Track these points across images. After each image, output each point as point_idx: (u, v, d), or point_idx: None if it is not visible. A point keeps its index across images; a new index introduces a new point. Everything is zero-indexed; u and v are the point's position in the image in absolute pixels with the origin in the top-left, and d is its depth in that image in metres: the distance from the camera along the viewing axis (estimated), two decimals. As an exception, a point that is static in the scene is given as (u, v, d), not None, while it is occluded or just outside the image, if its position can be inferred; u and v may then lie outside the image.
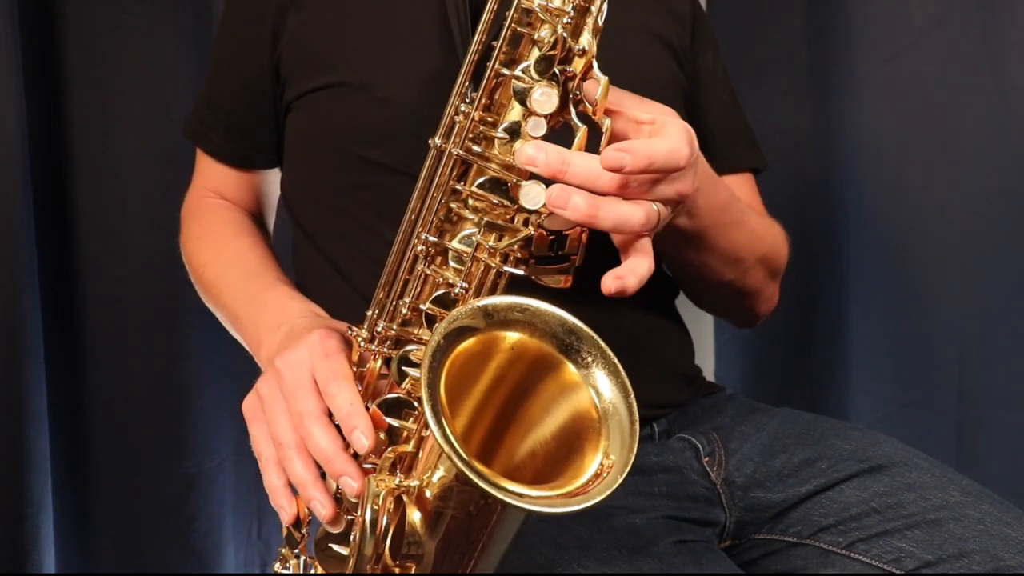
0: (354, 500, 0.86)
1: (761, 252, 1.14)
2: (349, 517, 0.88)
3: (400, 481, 0.82)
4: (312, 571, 0.94)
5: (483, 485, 0.73)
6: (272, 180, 1.30)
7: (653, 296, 1.17)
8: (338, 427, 0.87)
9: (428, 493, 0.81)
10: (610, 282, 0.82)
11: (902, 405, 1.76)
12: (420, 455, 0.84)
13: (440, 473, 0.80)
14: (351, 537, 0.85)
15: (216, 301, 1.18)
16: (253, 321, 1.07)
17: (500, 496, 0.73)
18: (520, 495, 0.74)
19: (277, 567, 0.97)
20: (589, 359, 0.82)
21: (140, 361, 1.71)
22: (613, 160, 0.79)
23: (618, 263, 1.08)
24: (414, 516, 0.81)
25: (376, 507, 0.80)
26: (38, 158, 1.58)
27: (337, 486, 0.87)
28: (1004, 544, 0.95)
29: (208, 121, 1.25)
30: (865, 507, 1.02)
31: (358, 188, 1.10)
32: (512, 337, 0.82)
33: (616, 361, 0.82)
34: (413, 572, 0.83)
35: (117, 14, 1.65)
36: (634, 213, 0.81)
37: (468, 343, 0.81)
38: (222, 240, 1.21)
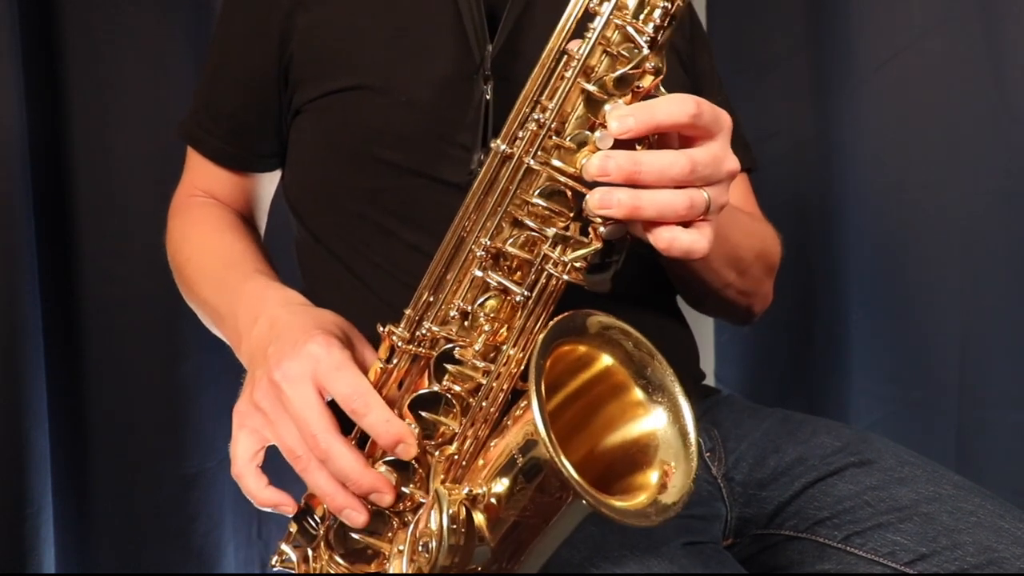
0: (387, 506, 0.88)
1: (756, 249, 1.15)
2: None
3: (469, 491, 0.83)
4: (313, 564, 0.93)
5: (597, 507, 0.76)
6: (266, 183, 1.28)
7: (665, 297, 1.18)
8: (344, 432, 0.87)
9: (494, 500, 0.82)
10: (665, 235, 0.83)
11: (902, 405, 1.76)
12: (480, 461, 0.85)
13: (515, 481, 0.81)
14: (419, 546, 0.84)
15: (197, 298, 1.15)
16: (232, 315, 1.05)
17: (610, 514, 0.77)
18: (618, 509, 0.78)
19: (274, 561, 0.96)
20: (664, 401, 0.86)
21: (140, 361, 1.71)
22: (620, 127, 0.81)
23: (650, 268, 1.09)
24: (479, 519, 0.82)
25: (452, 516, 0.81)
26: (38, 158, 1.58)
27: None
28: (997, 536, 0.95)
29: (206, 124, 1.22)
30: (858, 500, 1.02)
31: (377, 192, 1.09)
32: (606, 360, 0.86)
33: (691, 418, 0.86)
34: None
35: (117, 14, 1.65)
36: (676, 198, 0.81)
37: (564, 351, 0.83)
38: (204, 234, 1.19)
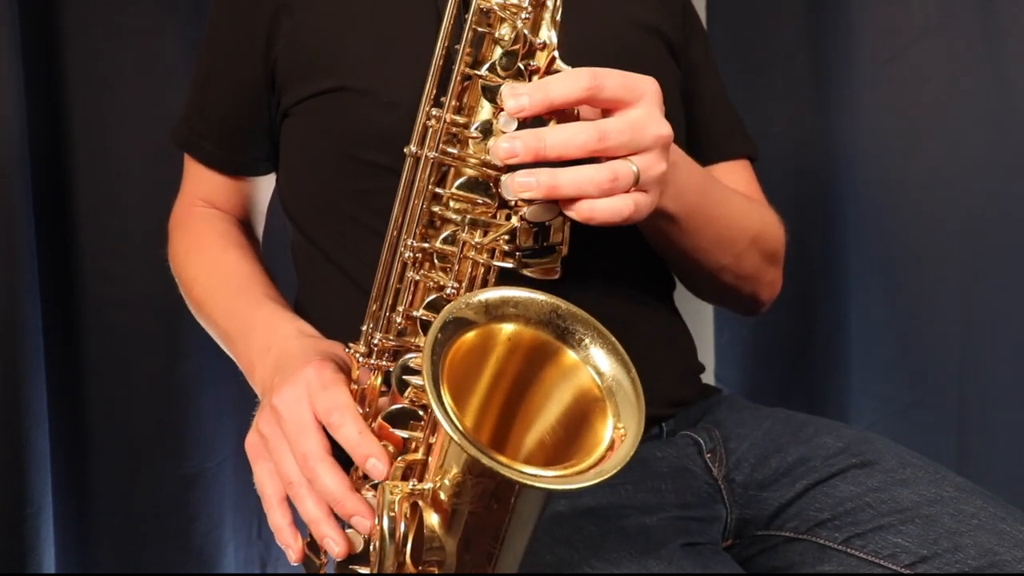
0: (367, 536, 0.87)
1: (752, 232, 1.14)
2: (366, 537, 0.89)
3: (414, 485, 0.82)
4: None
5: (499, 469, 0.73)
6: (263, 186, 1.28)
7: (659, 293, 1.17)
8: (344, 458, 0.88)
9: (443, 494, 0.81)
10: (584, 206, 0.82)
11: (902, 405, 1.76)
12: (430, 459, 0.84)
13: (453, 471, 0.80)
14: (370, 546, 0.85)
15: (208, 319, 1.17)
16: (244, 342, 1.07)
17: (516, 478, 0.73)
18: (536, 476, 0.74)
19: None
20: (586, 340, 0.83)
21: (140, 361, 1.71)
22: (515, 105, 0.81)
23: (622, 257, 1.09)
24: (431, 519, 0.81)
25: (392, 514, 0.80)
26: (38, 158, 1.58)
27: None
28: (999, 538, 0.95)
29: (199, 129, 1.23)
30: (859, 502, 1.02)
31: (367, 193, 1.09)
32: (508, 329, 0.83)
33: (612, 337, 0.82)
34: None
35: (117, 14, 1.65)
36: (597, 173, 0.82)
37: (466, 337, 0.81)
38: (210, 254, 1.20)
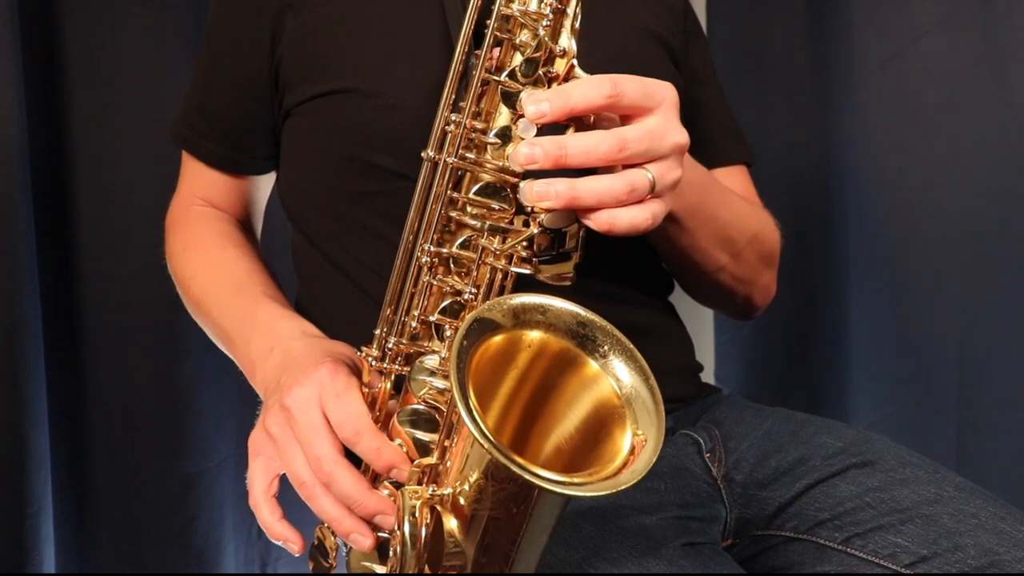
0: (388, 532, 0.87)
1: (750, 233, 1.15)
2: (380, 534, 0.89)
3: (433, 491, 0.83)
4: None
5: (529, 477, 0.73)
6: (262, 185, 1.28)
7: (656, 293, 1.17)
8: (353, 459, 0.88)
9: (463, 499, 0.81)
10: (604, 217, 0.82)
11: (902, 405, 1.76)
12: (448, 463, 0.84)
13: (474, 476, 0.80)
14: (390, 551, 0.85)
15: (205, 318, 1.16)
16: (244, 342, 1.07)
17: (548, 486, 0.74)
18: (563, 482, 0.75)
19: None
20: (606, 348, 0.83)
21: (140, 361, 1.71)
22: (536, 111, 0.82)
23: (619, 259, 1.09)
24: (451, 523, 0.82)
25: (413, 520, 0.81)
26: (38, 158, 1.58)
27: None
28: (999, 538, 0.95)
29: (199, 127, 1.22)
30: (859, 501, 1.02)
31: (368, 195, 1.09)
32: (532, 335, 0.83)
33: (632, 347, 0.83)
34: None
35: (117, 14, 1.65)
36: (615, 183, 0.82)
37: (491, 342, 0.82)
38: (208, 252, 1.20)
